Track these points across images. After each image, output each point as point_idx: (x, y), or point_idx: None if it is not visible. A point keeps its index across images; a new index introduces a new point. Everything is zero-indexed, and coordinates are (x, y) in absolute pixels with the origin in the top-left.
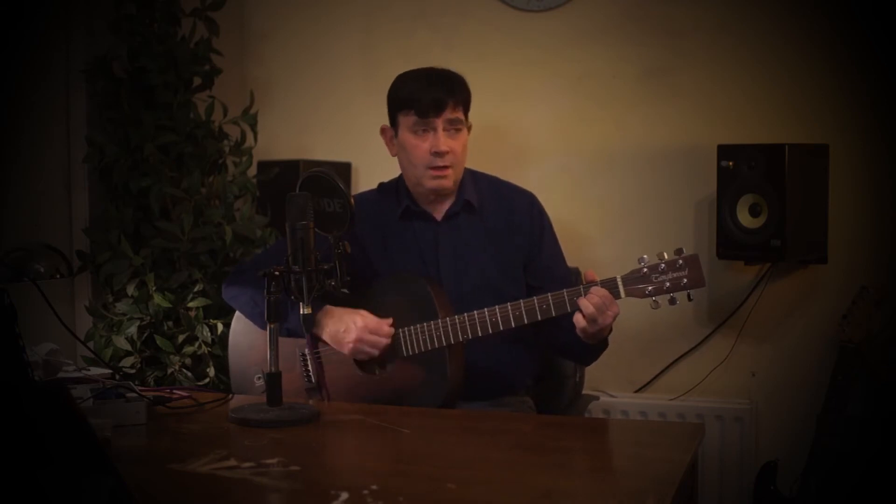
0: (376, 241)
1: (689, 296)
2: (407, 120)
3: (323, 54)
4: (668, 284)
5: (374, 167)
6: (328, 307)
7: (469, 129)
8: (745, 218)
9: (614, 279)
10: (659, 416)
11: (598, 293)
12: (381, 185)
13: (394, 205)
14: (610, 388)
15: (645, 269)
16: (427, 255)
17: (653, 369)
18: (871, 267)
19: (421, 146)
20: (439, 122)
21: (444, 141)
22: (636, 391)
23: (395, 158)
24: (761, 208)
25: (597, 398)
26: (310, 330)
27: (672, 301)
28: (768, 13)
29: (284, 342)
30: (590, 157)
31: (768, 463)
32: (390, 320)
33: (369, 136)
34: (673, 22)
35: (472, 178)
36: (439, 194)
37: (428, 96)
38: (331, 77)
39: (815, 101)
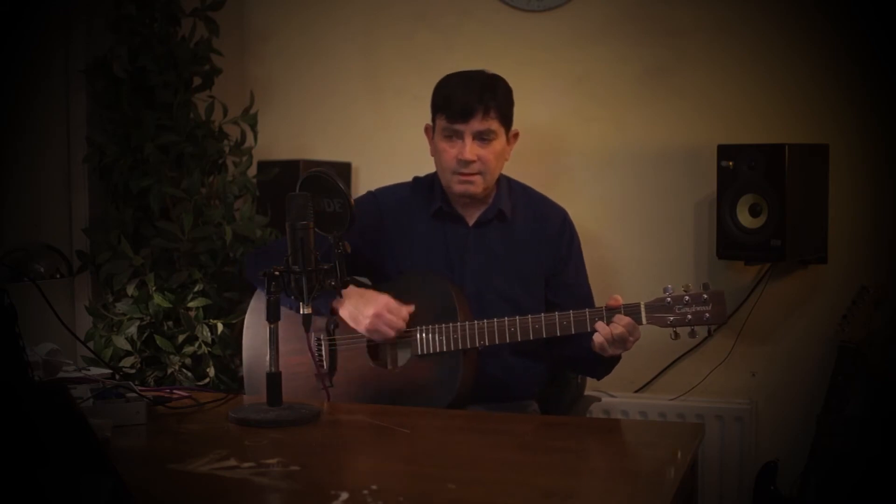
0: (404, 234)
1: (709, 330)
2: (440, 122)
3: (323, 54)
4: (689, 317)
5: (374, 167)
6: (352, 287)
7: (514, 136)
8: (745, 218)
9: (638, 305)
10: (659, 416)
11: (622, 322)
12: (417, 178)
13: (427, 202)
14: (610, 388)
15: (669, 300)
16: (454, 259)
17: (653, 369)
18: (871, 267)
19: (449, 151)
20: (467, 130)
21: (470, 149)
22: (636, 391)
23: (401, 159)
24: (761, 208)
25: (598, 399)
26: (309, 329)
27: (692, 334)
28: (768, 13)
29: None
30: (590, 157)
31: (768, 463)
32: (411, 307)
33: (369, 136)
34: (673, 22)
35: (508, 187)
36: (467, 198)
37: (458, 102)
38: (331, 77)
39: (815, 101)
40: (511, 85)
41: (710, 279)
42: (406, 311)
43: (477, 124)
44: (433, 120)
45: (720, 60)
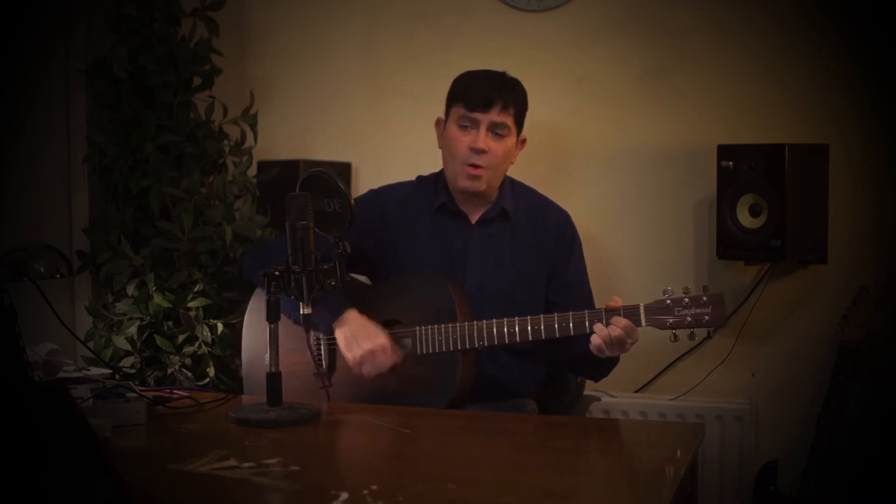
0: (406, 232)
1: (709, 333)
2: (456, 112)
3: (323, 54)
4: (689, 319)
5: (374, 167)
6: (356, 313)
7: (522, 141)
8: (745, 218)
9: (637, 308)
10: (659, 416)
11: (620, 325)
12: (420, 177)
13: (430, 198)
14: (610, 388)
15: (668, 302)
16: (455, 257)
17: (653, 369)
18: (871, 267)
19: (462, 140)
20: (483, 120)
21: (484, 139)
22: (636, 391)
23: (401, 159)
24: (761, 208)
25: (598, 399)
26: (309, 330)
27: (691, 336)
28: (768, 13)
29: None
30: (590, 157)
31: (768, 463)
32: (402, 354)
33: (369, 136)
34: (673, 22)
35: (511, 187)
36: (470, 194)
37: (478, 91)
38: (331, 77)
39: (815, 101)
40: None
41: (710, 279)
42: (398, 357)
43: (495, 115)
44: (447, 111)
45: (720, 60)
